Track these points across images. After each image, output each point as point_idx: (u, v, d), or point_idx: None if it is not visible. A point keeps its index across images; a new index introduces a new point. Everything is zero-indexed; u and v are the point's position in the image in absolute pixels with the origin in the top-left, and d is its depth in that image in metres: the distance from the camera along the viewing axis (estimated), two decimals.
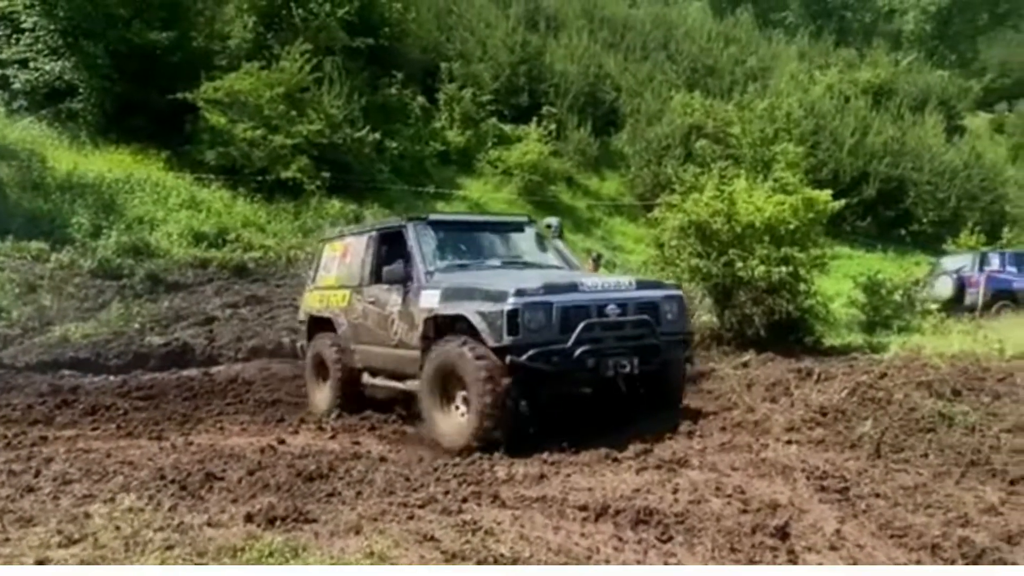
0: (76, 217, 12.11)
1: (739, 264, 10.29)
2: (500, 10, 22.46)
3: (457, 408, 5.82)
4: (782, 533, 3.86)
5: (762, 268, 10.17)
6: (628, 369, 5.85)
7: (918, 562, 3.76)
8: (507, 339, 5.46)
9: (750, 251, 10.45)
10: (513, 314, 5.46)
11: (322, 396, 7.47)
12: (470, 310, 5.70)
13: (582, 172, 20.33)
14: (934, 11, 35.77)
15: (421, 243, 6.62)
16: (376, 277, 6.96)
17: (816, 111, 20.86)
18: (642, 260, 14.22)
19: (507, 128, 19.84)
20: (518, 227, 7.63)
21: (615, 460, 5.14)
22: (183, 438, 6.18)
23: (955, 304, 14.34)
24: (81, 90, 14.40)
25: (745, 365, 8.75)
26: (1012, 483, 4.96)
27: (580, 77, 20.95)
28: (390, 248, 7.01)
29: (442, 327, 6.02)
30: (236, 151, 14.45)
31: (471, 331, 5.69)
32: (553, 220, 8.05)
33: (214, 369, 9.29)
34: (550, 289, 5.73)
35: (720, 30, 26.66)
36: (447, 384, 5.85)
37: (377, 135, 16.25)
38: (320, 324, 7.74)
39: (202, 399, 7.88)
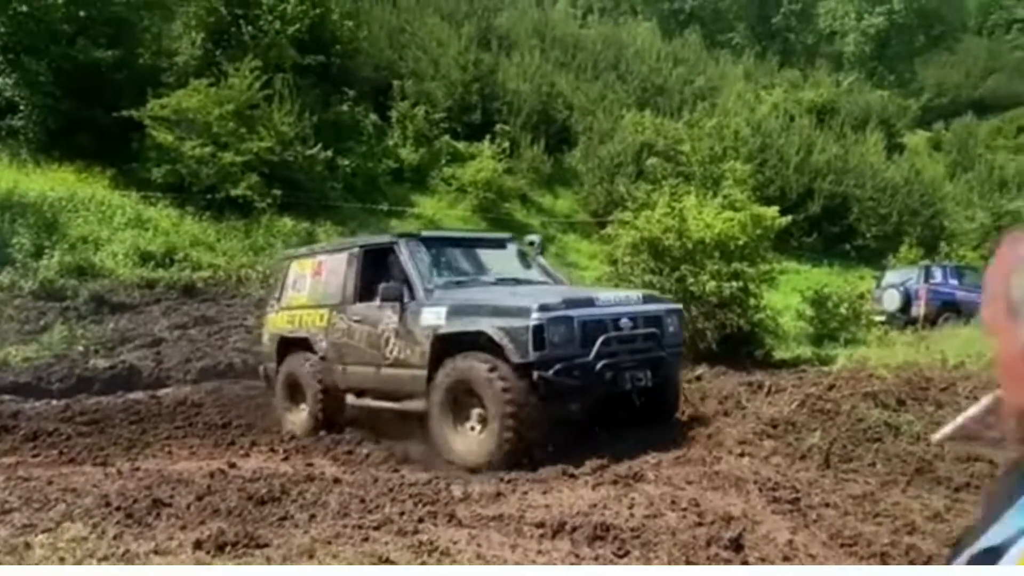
0: (17, 237, 11.73)
1: (691, 280, 10.46)
2: (452, 29, 22.55)
3: (472, 427, 5.76)
4: (736, 545, 3.90)
5: (713, 283, 10.36)
6: (643, 382, 5.98)
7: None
8: (533, 354, 5.45)
9: (701, 267, 10.64)
10: (539, 329, 5.46)
11: (297, 419, 7.25)
12: (489, 326, 5.65)
13: (536, 189, 20.46)
14: (873, 33, 37.02)
15: (416, 260, 6.53)
16: (362, 295, 6.84)
17: (762, 130, 21.38)
18: (596, 277, 14.34)
19: (461, 146, 19.88)
20: (502, 244, 7.69)
21: (571, 476, 5.15)
22: (129, 463, 5.99)
23: (902, 316, 14.78)
24: (22, 107, 14.00)
25: (698, 379, 8.88)
26: (956, 490, 5.10)
27: (533, 96, 21.13)
28: (375, 265, 6.90)
29: (448, 345, 5.94)
30: (184, 169, 14.19)
31: (485, 347, 5.65)
32: (535, 237, 8.15)
33: (162, 392, 9.05)
34: (570, 304, 5.80)
35: (669, 50, 27.18)
36: (460, 402, 5.79)
37: (329, 153, 16.12)
38: (292, 345, 7.52)
39: (149, 423, 7.65)
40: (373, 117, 18.78)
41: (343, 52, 18.38)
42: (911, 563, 3.84)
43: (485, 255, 7.29)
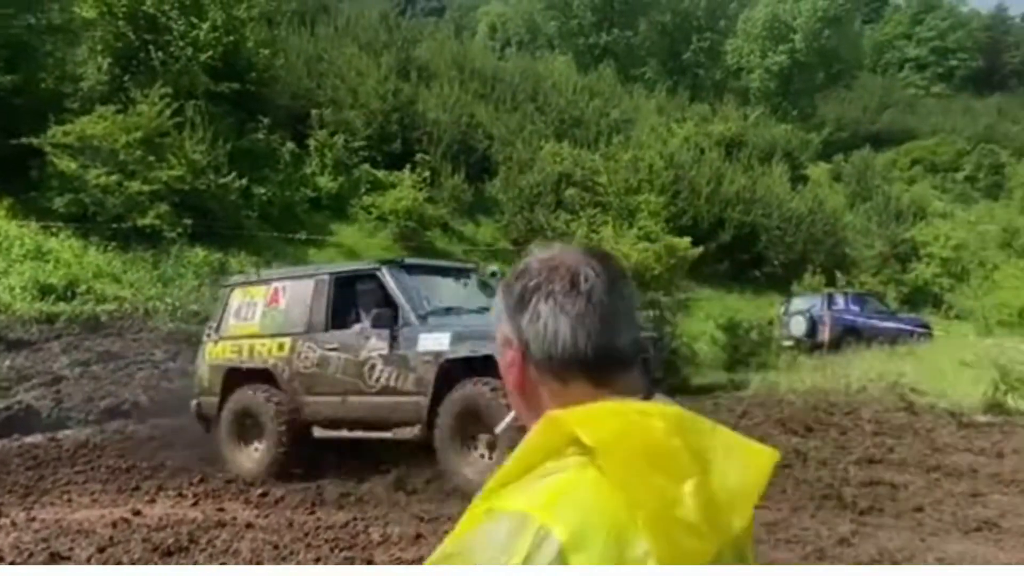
0: None
1: None
2: (371, 59, 22.50)
3: (482, 455, 5.74)
4: None
5: None
6: None
7: None
8: None
9: None
10: None
11: (250, 457, 6.87)
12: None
13: (457, 218, 20.49)
14: (776, 70, 38.84)
15: (403, 287, 6.45)
16: (335, 323, 6.66)
17: (675, 162, 22.03)
18: None
19: (380, 174, 19.76)
20: (468, 273, 7.73)
21: None
22: (25, 513, 5.63)
23: (808, 340, 15.41)
24: None
25: None
26: (861, 513, 5.32)
27: (453, 126, 21.23)
28: (346, 292, 6.75)
29: (454, 371, 5.88)
30: (88, 198, 13.60)
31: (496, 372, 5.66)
32: (495, 268, 8.30)
33: (61, 434, 8.55)
34: None
35: (585, 84, 27.81)
36: (468, 428, 5.75)
37: (244, 181, 15.77)
38: (244, 377, 7.16)
39: (47, 468, 7.21)
40: (290, 145, 18.50)
41: (259, 80, 18.08)
42: None
43: (457, 284, 7.32)
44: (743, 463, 0.87)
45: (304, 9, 25.46)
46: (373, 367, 6.31)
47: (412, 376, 6.07)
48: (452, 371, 5.93)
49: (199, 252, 14.33)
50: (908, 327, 16.10)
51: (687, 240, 11.91)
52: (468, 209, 20.92)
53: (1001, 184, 37.77)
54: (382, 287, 6.53)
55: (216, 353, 7.52)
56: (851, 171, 31.54)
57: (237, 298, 7.58)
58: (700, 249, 12.21)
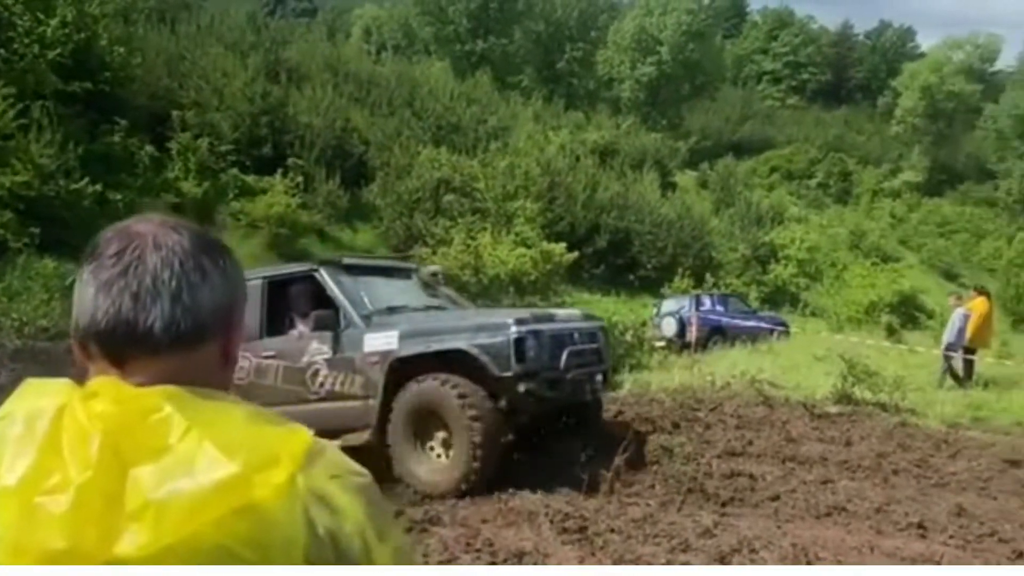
0: None
1: None
2: (238, 59, 21.66)
3: (435, 452, 5.70)
4: None
5: None
6: (595, 394, 6.44)
7: None
8: (516, 367, 5.49)
9: (497, 301, 10.95)
10: (520, 341, 5.54)
11: None
12: (466, 343, 5.63)
13: (333, 225, 20.03)
14: (645, 81, 40.43)
15: (343, 287, 6.24)
16: (270, 330, 6.37)
17: (551, 168, 22.49)
18: None
19: (250, 179, 19.05)
20: (408, 273, 7.56)
21: None
22: None
23: (678, 341, 16.05)
24: None
25: None
26: (723, 505, 5.58)
27: (326, 130, 20.75)
28: (279, 296, 6.46)
29: (405, 369, 5.79)
30: None
31: (452, 368, 5.62)
32: (436, 268, 8.26)
33: None
34: (537, 319, 5.95)
35: (462, 90, 27.91)
36: (423, 427, 5.67)
37: (98, 187, 14.80)
38: None
39: None
40: (149, 148, 17.51)
41: (114, 79, 17.03)
42: None
43: (398, 283, 7.19)
44: (198, 478, 0.76)
45: (164, 7, 24.27)
46: (316, 372, 6.09)
47: (359, 379, 5.93)
48: (401, 370, 5.83)
49: (48, 263, 13.28)
50: (768, 325, 17.08)
51: (562, 246, 12.17)
52: (344, 215, 20.51)
53: (849, 190, 40.90)
54: (319, 289, 6.36)
55: None
56: (716, 179, 33.23)
57: None
58: (576, 254, 12.50)
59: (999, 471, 6.52)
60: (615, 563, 4.38)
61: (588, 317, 7.03)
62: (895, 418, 8.16)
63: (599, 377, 6.51)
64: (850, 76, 56.25)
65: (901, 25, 58.28)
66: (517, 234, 12.15)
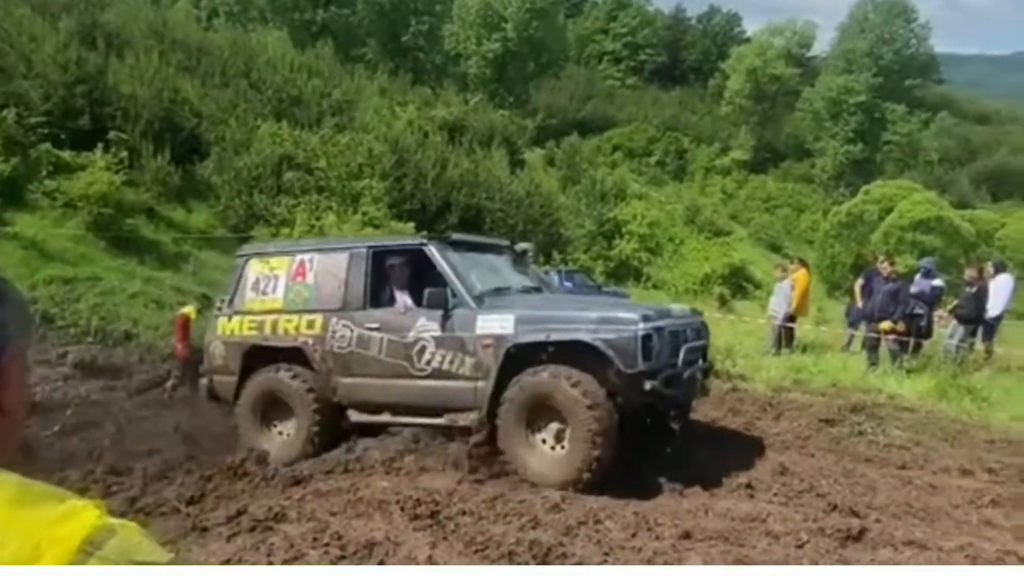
0: None
1: None
2: (48, 23, 19.63)
3: (546, 442, 5.57)
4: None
5: None
6: (703, 391, 6.45)
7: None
8: (642, 364, 5.38)
9: None
10: (647, 338, 5.44)
11: (278, 443, 6.36)
12: (589, 336, 5.47)
13: (164, 203, 18.67)
14: (491, 58, 40.53)
15: (453, 264, 6.06)
16: (375, 300, 6.24)
17: (400, 146, 22.12)
18: None
19: (66, 155, 17.38)
20: (502, 250, 7.37)
21: (204, 530, 4.73)
22: None
23: None
24: None
25: None
26: None
27: (153, 101, 19.24)
28: (384, 268, 6.36)
29: (515, 356, 5.61)
30: None
31: (572, 360, 5.47)
32: (527, 245, 8.02)
33: None
34: (659, 315, 5.84)
35: (303, 61, 26.74)
36: (535, 416, 5.53)
37: None
38: (268, 355, 6.52)
39: None
40: None
41: None
42: (534, 557, 4.19)
43: (498, 261, 7.00)
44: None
45: None
46: (423, 349, 5.97)
47: (469, 360, 5.81)
48: (515, 355, 5.68)
49: None
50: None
51: (411, 226, 12.00)
52: (177, 193, 19.17)
53: (684, 167, 43.21)
54: (423, 264, 6.26)
55: (231, 329, 6.84)
56: (562, 156, 34.01)
57: (254, 270, 6.90)
58: (426, 232, 12.37)
59: (816, 430, 7.14)
60: (466, 545, 4.38)
61: (695, 312, 7.02)
62: (726, 384, 8.72)
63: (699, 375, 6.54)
64: (684, 58, 59.09)
65: (729, 10, 61.72)
66: (364, 213, 11.85)
